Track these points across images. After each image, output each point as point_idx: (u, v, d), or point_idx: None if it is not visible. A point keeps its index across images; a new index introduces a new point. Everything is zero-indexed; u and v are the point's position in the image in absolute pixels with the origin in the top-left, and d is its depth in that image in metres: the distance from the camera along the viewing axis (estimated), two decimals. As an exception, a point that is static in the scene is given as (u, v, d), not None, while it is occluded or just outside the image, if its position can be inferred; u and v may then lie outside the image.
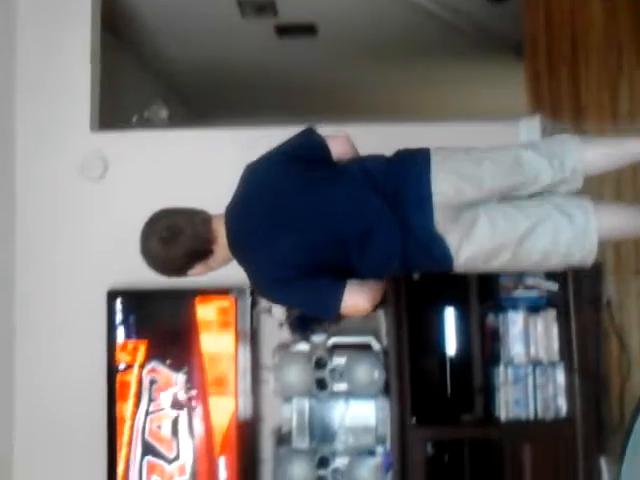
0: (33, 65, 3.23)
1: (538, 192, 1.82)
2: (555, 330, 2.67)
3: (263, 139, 2.94)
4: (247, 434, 2.91)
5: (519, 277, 2.68)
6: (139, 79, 4.51)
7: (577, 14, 2.92)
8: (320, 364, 2.68)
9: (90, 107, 3.23)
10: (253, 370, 2.93)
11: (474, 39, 4.52)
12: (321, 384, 2.67)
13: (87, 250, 3.15)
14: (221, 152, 3.17)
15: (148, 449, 2.94)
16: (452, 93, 5.35)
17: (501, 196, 1.80)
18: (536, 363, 2.67)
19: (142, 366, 2.96)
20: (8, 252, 3.13)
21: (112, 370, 2.97)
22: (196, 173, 3.13)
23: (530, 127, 3.09)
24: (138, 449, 2.93)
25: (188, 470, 2.93)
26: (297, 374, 2.68)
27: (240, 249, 1.83)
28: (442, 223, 1.73)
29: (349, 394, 2.70)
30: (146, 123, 3.52)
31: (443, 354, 2.70)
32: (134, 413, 2.94)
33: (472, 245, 1.74)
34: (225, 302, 2.95)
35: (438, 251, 1.74)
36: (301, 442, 2.71)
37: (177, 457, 2.93)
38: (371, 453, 2.67)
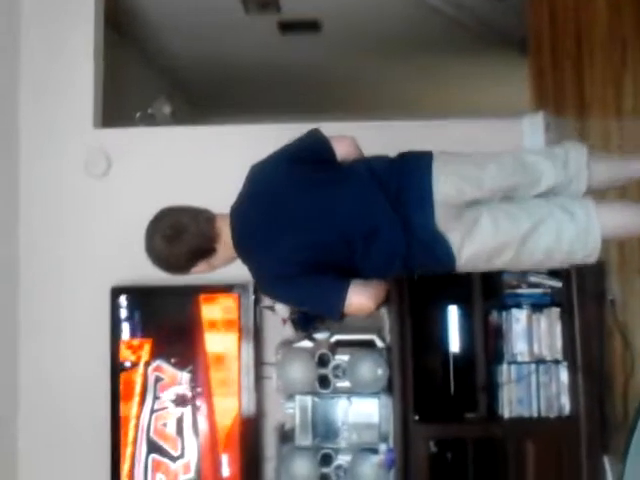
0: (37, 62, 3.23)
1: (542, 194, 1.82)
2: (559, 328, 2.67)
3: (267, 136, 2.95)
4: (250, 431, 2.92)
5: (522, 275, 2.68)
6: (142, 76, 4.51)
7: (581, 10, 2.90)
8: (323, 361, 2.68)
9: (93, 104, 3.24)
10: (256, 367, 2.94)
11: (478, 35, 4.51)
12: (324, 381, 2.67)
13: (91, 247, 3.15)
14: (224, 149, 3.17)
15: (153, 447, 2.95)
16: (455, 89, 5.34)
17: (504, 196, 1.80)
18: (539, 361, 2.67)
19: (147, 364, 2.97)
20: (12, 249, 3.14)
21: (115, 367, 2.98)
22: (199, 170, 3.14)
23: (533, 124, 3.08)
24: (143, 447, 2.94)
25: (193, 468, 2.94)
26: (300, 371, 2.68)
27: (245, 248, 1.84)
28: (443, 222, 1.74)
29: (352, 391, 2.70)
30: (150, 120, 3.53)
31: (446, 352, 2.70)
32: (139, 411, 2.95)
33: (474, 244, 1.74)
34: (228, 299, 2.96)
35: (440, 250, 1.74)
36: (304, 439, 2.71)
37: (182, 455, 2.94)
38: (374, 450, 2.67)
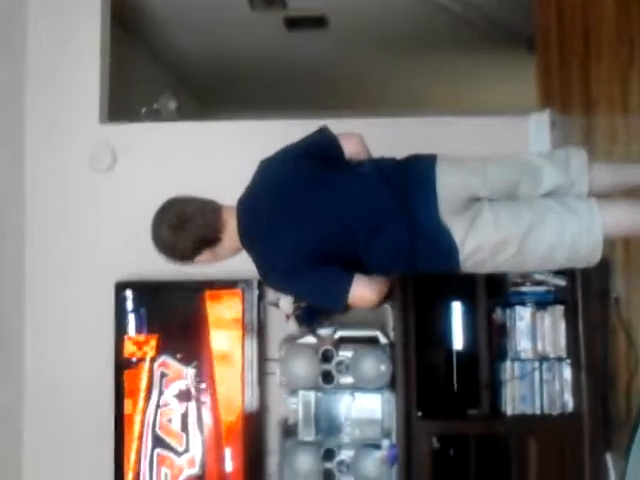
0: (43, 57, 3.24)
1: (546, 194, 1.83)
2: (562, 326, 2.66)
3: (272, 131, 2.98)
4: (253, 426, 2.93)
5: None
6: (148, 71, 4.52)
7: (589, 8, 2.89)
8: (327, 357, 2.69)
9: (99, 99, 3.25)
10: (260, 363, 2.95)
11: (485, 32, 4.49)
12: (327, 377, 2.68)
13: (96, 242, 3.16)
14: (230, 144, 3.18)
15: (158, 442, 2.96)
16: (463, 86, 5.33)
17: (507, 196, 1.82)
18: (543, 358, 2.67)
19: (153, 360, 2.98)
20: (17, 243, 3.15)
21: (120, 362, 2.99)
22: (204, 165, 3.14)
23: (539, 121, 3.08)
24: (149, 442, 2.96)
25: (197, 462, 2.95)
26: (303, 367, 2.69)
27: (251, 239, 1.86)
28: (447, 215, 1.76)
29: (355, 387, 2.71)
30: (155, 115, 3.53)
31: (450, 348, 2.70)
32: (145, 406, 2.97)
33: (477, 237, 1.75)
34: (232, 295, 2.96)
35: (444, 242, 1.75)
36: (307, 434, 2.72)
37: (187, 450, 2.96)
38: (376, 446, 2.68)
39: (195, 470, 2.95)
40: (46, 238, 3.18)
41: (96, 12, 3.28)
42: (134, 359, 2.99)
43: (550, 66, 3.36)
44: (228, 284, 2.95)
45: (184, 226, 1.84)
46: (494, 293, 2.68)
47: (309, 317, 2.75)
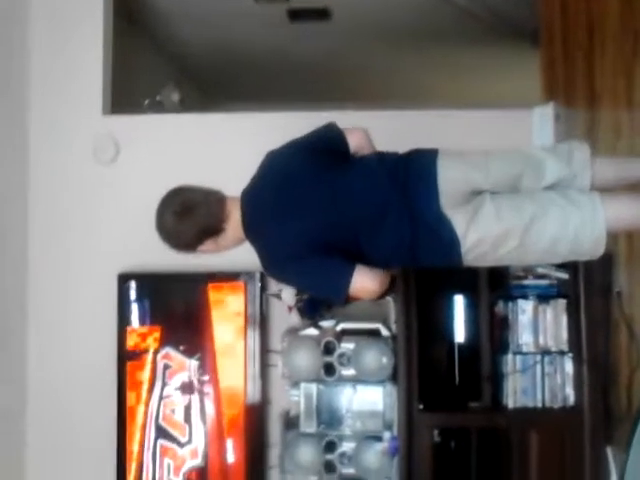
0: (46, 49, 3.24)
1: (548, 188, 1.83)
2: (564, 319, 2.67)
3: (276, 123, 2.98)
4: (255, 418, 2.94)
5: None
6: (151, 62, 4.51)
7: (593, 1, 2.88)
8: (329, 349, 2.70)
9: (102, 91, 3.24)
10: (262, 355, 2.95)
11: (489, 26, 4.48)
12: (329, 369, 2.69)
13: (99, 233, 3.17)
14: (233, 136, 3.17)
15: (161, 433, 2.98)
16: (466, 79, 5.31)
17: (510, 189, 1.82)
18: (545, 352, 2.67)
19: (156, 351, 2.99)
20: (20, 235, 3.15)
21: (122, 353, 3.00)
22: (207, 157, 3.14)
23: (543, 115, 3.07)
24: (152, 433, 2.97)
25: (200, 454, 2.96)
26: (305, 359, 2.69)
27: (254, 229, 1.87)
28: (449, 207, 1.77)
29: (357, 379, 2.72)
30: (158, 107, 3.53)
31: (452, 341, 2.70)
32: (148, 398, 2.98)
33: (479, 230, 1.76)
34: (235, 287, 2.97)
35: (446, 235, 1.76)
36: (308, 426, 2.73)
37: (189, 441, 2.97)
38: (378, 438, 2.69)
39: (198, 461, 2.97)
40: (49, 230, 3.18)
41: (99, 3, 3.27)
42: (137, 351, 3.00)
43: (554, 59, 3.35)
44: (231, 276, 2.95)
45: (188, 214, 1.85)
46: (496, 286, 2.68)
47: (311, 309, 2.75)
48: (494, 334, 2.67)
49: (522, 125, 3.09)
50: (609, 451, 2.53)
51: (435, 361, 2.68)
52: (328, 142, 1.93)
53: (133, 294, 3.03)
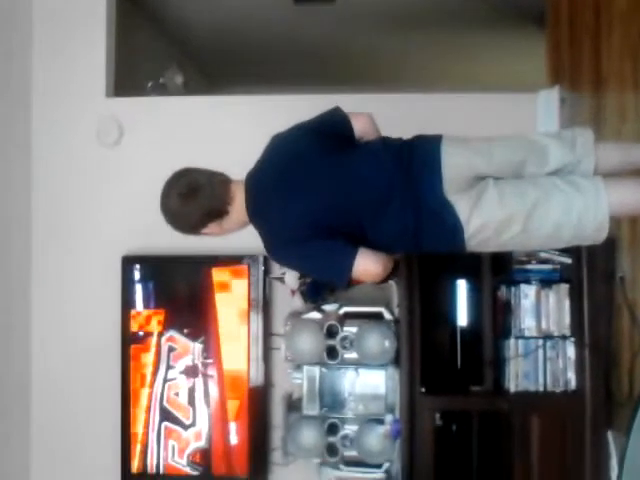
0: (49, 31, 3.23)
1: (552, 173, 1.82)
2: (567, 304, 2.67)
3: (279, 106, 2.97)
4: (259, 400, 2.96)
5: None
6: (155, 45, 4.49)
7: (601, -18, 2.85)
8: (331, 332, 2.71)
9: (106, 73, 3.24)
10: (265, 338, 2.97)
11: (495, 8, 4.43)
12: (332, 352, 2.70)
13: (102, 216, 3.18)
14: (236, 119, 3.16)
15: (166, 415, 3.00)
16: (473, 62, 5.27)
17: (514, 175, 1.82)
18: (547, 336, 2.67)
19: (161, 334, 3.01)
20: (24, 217, 3.16)
21: (126, 336, 3.02)
22: (211, 139, 3.14)
23: (549, 98, 3.05)
24: (156, 415, 3.00)
25: (204, 436, 2.99)
26: (308, 342, 2.70)
27: (258, 212, 1.87)
28: (452, 194, 1.76)
29: (359, 363, 2.73)
30: (161, 89, 3.52)
31: (454, 325, 2.71)
32: (153, 380, 3.00)
33: (482, 215, 1.76)
34: (238, 270, 2.98)
35: (449, 220, 1.76)
36: (311, 409, 2.75)
37: (193, 423, 2.99)
38: (380, 421, 2.70)
39: (201, 443, 2.99)
40: (53, 212, 3.19)
41: (102, -16, 3.25)
42: (141, 334, 3.01)
43: (560, 42, 3.32)
44: (234, 259, 2.96)
45: (193, 196, 1.85)
46: (499, 271, 2.68)
47: (314, 292, 2.76)
48: (496, 318, 2.68)
49: (527, 108, 3.08)
50: (610, 435, 2.54)
51: (437, 345, 2.69)
52: (333, 126, 1.92)
53: (137, 277, 3.04)
